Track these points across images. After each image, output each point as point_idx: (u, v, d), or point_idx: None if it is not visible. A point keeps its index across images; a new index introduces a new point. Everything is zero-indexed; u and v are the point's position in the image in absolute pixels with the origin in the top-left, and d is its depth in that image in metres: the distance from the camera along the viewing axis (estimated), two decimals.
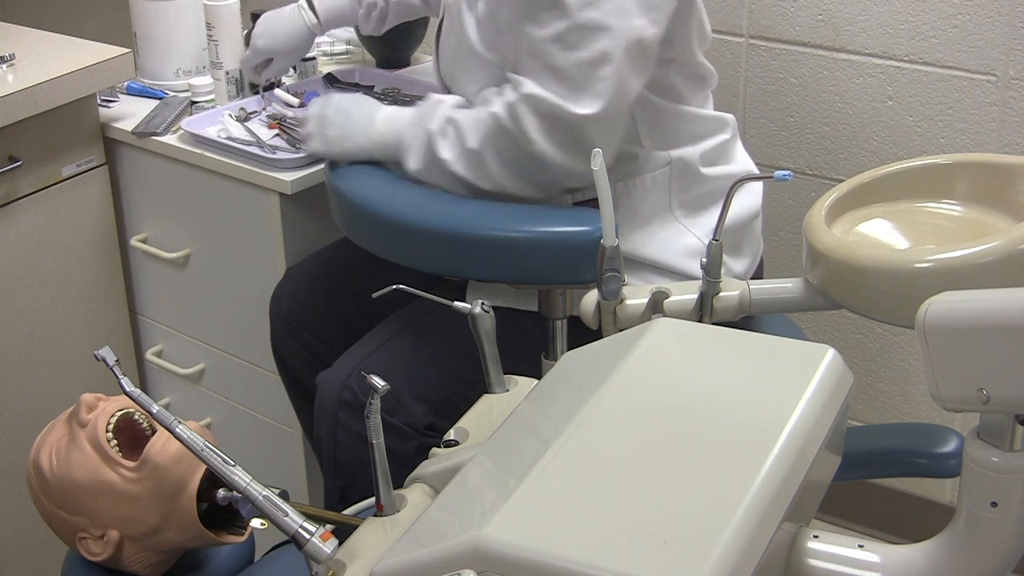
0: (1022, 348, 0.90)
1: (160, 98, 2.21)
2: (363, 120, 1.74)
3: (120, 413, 1.26)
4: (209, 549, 1.37)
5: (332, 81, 2.26)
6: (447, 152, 1.64)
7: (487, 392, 1.29)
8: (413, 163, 1.68)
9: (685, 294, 1.38)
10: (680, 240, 1.72)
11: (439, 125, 1.65)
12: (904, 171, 1.42)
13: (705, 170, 1.74)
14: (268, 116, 2.10)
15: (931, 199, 1.41)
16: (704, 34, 1.74)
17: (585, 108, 1.55)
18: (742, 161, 1.83)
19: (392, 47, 2.32)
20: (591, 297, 1.39)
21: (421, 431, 1.71)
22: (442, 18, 1.80)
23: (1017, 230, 1.23)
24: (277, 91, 2.16)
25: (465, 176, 1.64)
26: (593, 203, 1.67)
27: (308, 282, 1.96)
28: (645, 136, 1.70)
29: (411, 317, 1.77)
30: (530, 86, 1.57)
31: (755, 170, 1.85)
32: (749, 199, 1.79)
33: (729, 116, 1.81)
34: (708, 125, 1.76)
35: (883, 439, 1.72)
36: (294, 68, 2.26)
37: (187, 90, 2.20)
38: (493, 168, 1.62)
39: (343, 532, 1.09)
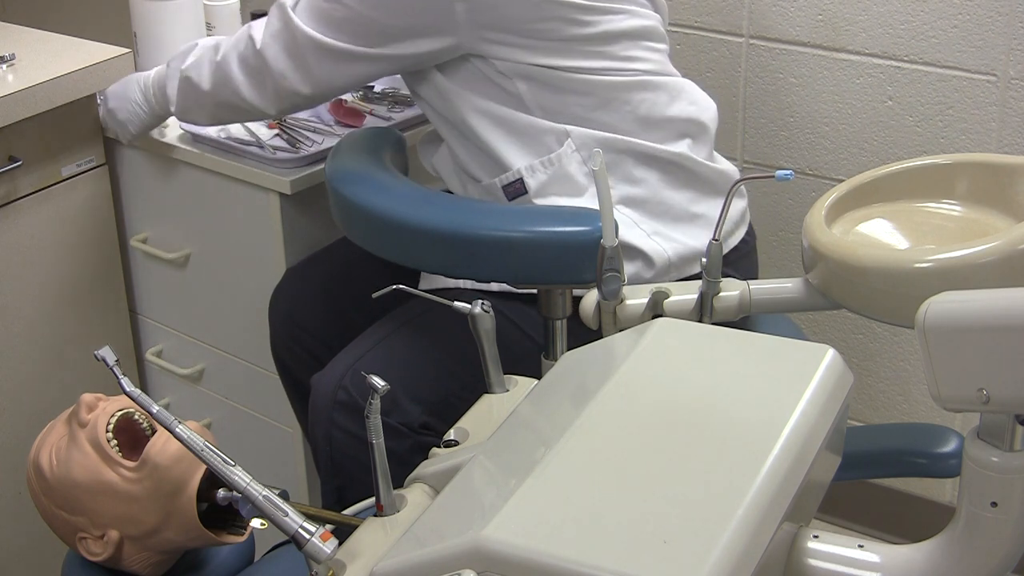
0: (1022, 348, 0.90)
1: None
2: (138, 95, 1.94)
3: (120, 413, 1.26)
4: (209, 549, 1.37)
5: None
6: (194, 71, 1.81)
7: (487, 392, 1.29)
8: (174, 106, 1.88)
9: (685, 294, 1.38)
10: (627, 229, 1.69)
11: (190, 56, 1.83)
12: (904, 171, 1.43)
13: (628, 139, 1.70)
14: None
15: (931, 199, 1.41)
16: None
17: (310, 30, 1.68)
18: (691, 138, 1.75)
19: None
20: (591, 297, 1.39)
21: (416, 430, 1.71)
22: None
23: (1017, 230, 1.23)
24: None
25: (212, 89, 1.79)
26: (514, 187, 1.71)
27: (308, 283, 1.96)
28: (535, 109, 1.69)
29: (406, 316, 1.77)
30: None
31: (710, 128, 1.78)
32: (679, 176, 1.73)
33: (660, 80, 1.73)
34: (610, 91, 1.70)
35: (883, 439, 1.72)
36: None
37: None
38: (235, 71, 1.76)
39: (343, 532, 1.09)
